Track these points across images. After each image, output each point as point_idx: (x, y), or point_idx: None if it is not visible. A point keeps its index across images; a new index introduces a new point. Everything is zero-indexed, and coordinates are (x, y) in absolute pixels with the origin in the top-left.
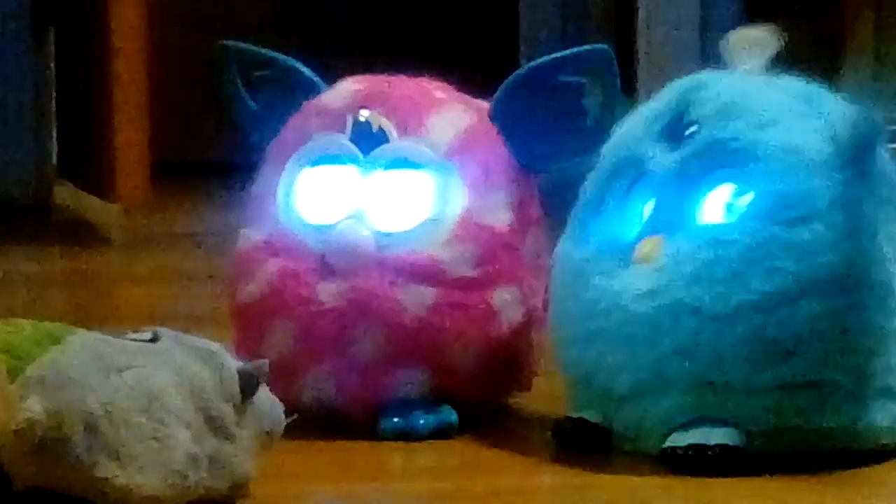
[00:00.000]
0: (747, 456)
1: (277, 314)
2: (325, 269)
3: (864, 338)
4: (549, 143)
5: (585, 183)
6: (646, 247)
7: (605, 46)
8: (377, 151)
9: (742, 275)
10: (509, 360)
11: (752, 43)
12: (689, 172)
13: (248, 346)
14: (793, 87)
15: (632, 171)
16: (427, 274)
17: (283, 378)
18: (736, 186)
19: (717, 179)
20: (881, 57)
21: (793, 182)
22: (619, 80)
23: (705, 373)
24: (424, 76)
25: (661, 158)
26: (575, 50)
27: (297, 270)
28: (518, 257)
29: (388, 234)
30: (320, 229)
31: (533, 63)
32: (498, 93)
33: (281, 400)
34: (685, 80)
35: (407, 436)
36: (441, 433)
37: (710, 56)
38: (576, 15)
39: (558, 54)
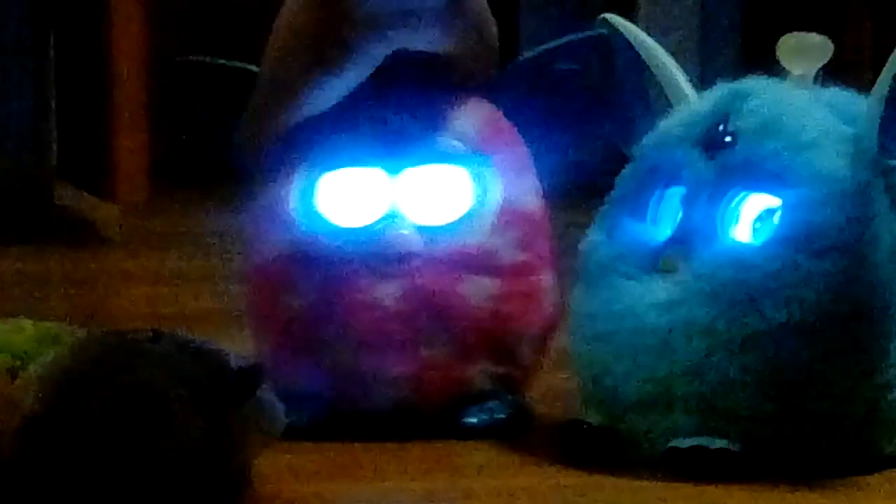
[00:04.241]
0: (749, 460)
1: (334, 324)
2: (374, 271)
3: (879, 374)
4: (549, 132)
5: (620, 178)
6: (671, 256)
7: (602, 31)
8: (403, 149)
9: (759, 301)
10: (549, 344)
11: (805, 49)
12: (720, 187)
13: (301, 361)
14: (839, 105)
15: (667, 175)
16: (482, 264)
17: (350, 388)
18: (766, 208)
19: (748, 198)
20: (880, 60)
21: (823, 213)
22: (615, 66)
23: (711, 396)
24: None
25: (696, 168)
26: (570, 37)
27: (347, 276)
28: (551, 241)
29: (431, 229)
30: (356, 233)
31: (529, 52)
32: (496, 84)
33: (355, 411)
34: (730, 85)
35: (490, 429)
36: (519, 422)
37: (709, 57)
38: (575, 15)
39: (554, 42)
